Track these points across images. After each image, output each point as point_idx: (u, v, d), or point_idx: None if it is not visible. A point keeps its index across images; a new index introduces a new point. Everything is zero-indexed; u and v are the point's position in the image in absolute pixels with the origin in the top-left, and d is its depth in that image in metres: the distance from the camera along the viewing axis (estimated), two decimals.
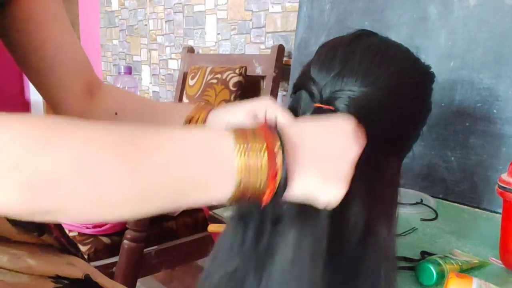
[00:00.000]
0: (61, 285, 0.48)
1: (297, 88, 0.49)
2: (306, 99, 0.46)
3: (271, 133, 0.35)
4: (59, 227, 0.58)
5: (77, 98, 0.62)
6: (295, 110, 0.48)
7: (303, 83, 0.47)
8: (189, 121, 0.56)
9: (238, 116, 0.49)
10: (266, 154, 0.34)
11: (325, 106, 0.43)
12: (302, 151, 0.36)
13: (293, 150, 0.35)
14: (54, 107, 0.62)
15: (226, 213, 0.93)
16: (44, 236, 0.53)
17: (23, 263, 0.46)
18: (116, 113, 0.61)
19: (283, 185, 0.35)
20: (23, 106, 3.62)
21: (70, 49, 0.61)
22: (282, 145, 0.34)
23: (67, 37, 0.60)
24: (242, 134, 0.34)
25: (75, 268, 0.51)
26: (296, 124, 0.39)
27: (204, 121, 0.55)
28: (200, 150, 0.34)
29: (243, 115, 0.48)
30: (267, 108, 0.46)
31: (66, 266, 0.51)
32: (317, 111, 0.44)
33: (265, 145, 0.34)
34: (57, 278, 0.48)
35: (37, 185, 0.28)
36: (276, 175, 0.34)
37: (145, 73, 2.48)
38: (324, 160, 0.37)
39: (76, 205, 0.30)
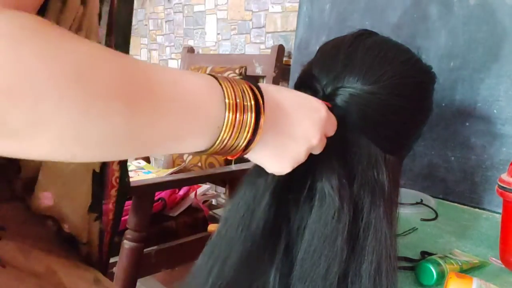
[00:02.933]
0: None
1: (298, 87, 0.49)
2: None
3: (259, 96, 0.35)
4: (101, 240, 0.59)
5: None
6: None
7: (305, 81, 0.47)
8: None
9: None
10: (253, 117, 0.34)
11: (324, 102, 0.43)
12: (274, 123, 0.37)
13: (268, 119, 0.36)
14: None
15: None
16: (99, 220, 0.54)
17: (56, 278, 0.47)
18: None
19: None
20: None
21: None
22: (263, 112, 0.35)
23: None
24: (232, 92, 0.34)
25: (102, 287, 0.52)
26: (279, 93, 0.39)
27: None
28: (191, 104, 0.32)
29: None
30: None
31: (94, 284, 0.51)
32: None
33: (253, 111, 0.34)
34: None
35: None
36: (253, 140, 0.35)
37: None
38: (285, 137, 0.38)
39: (56, 128, 0.26)
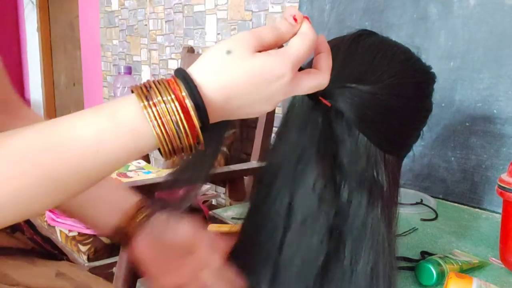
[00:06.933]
0: None
1: None
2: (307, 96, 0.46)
3: (185, 103, 0.34)
4: (31, 226, 0.57)
5: None
6: (295, 107, 0.48)
7: None
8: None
9: (182, 230, 0.50)
10: (184, 123, 0.34)
11: (324, 101, 0.43)
12: (224, 108, 0.36)
13: (214, 108, 0.35)
14: None
15: (226, 213, 0.93)
16: (16, 234, 0.53)
17: (9, 279, 0.46)
18: None
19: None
20: None
21: None
22: (200, 109, 0.34)
23: None
24: (154, 107, 0.34)
25: (65, 280, 0.50)
26: (223, 72, 0.35)
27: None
28: (115, 145, 0.34)
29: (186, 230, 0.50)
30: None
31: (56, 279, 0.50)
32: (316, 106, 0.44)
33: (182, 116, 0.34)
34: None
35: None
36: (196, 135, 0.35)
37: (145, 73, 2.48)
38: (246, 109, 0.37)
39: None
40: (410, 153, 0.52)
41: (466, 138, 0.99)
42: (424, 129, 0.50)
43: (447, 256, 0.65)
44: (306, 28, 0.37)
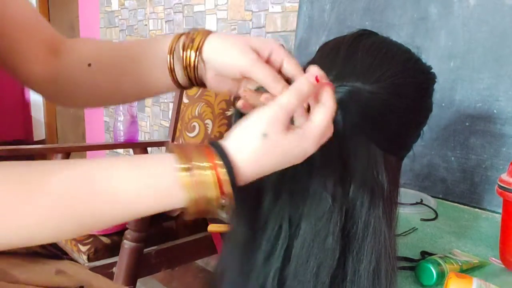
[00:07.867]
0: None
1: None
2: None
3: (217, 161, 0.36)
4: None
5: (39, 61, 0.54)
6: None
7: None
8: (172, 52, 0.50)
9: (235, 52, 0.45)
10: (217, 187, 0.36)
11: None
12: (250, 171, 0.37)
13: (240, 168, 0.37)
14: (15, 75, 0.55)
15: (226, 214, 0.93)
16: None
17: (8, 277, 0.46)
18: (89, 65, 0.54)
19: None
20: (23, 106, 3.62)
21: (18, 6, 0.52)
22: (229, 168, 0.36)
23: None
24: (187, 164, 0.36)
25: (65, 277, 0.51)
26: (249, 152, 0.37)
27: (197, 50, 0.48)
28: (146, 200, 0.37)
29: (241, 51, 0.44)
30: (273, 51, 0.44)
31: (56, 276, 0.50)
32: None
33: (215, 177, 0.36)
34: None
35: None
36: (224, 193, 0.37)
37: None
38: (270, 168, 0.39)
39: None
40: (410, 153, 0.52)
41: (466, 138, 0.99)
42: (424, 129, 0.50)
43: (447, 256, 0.65)
44: (327, 98, 0.39)
